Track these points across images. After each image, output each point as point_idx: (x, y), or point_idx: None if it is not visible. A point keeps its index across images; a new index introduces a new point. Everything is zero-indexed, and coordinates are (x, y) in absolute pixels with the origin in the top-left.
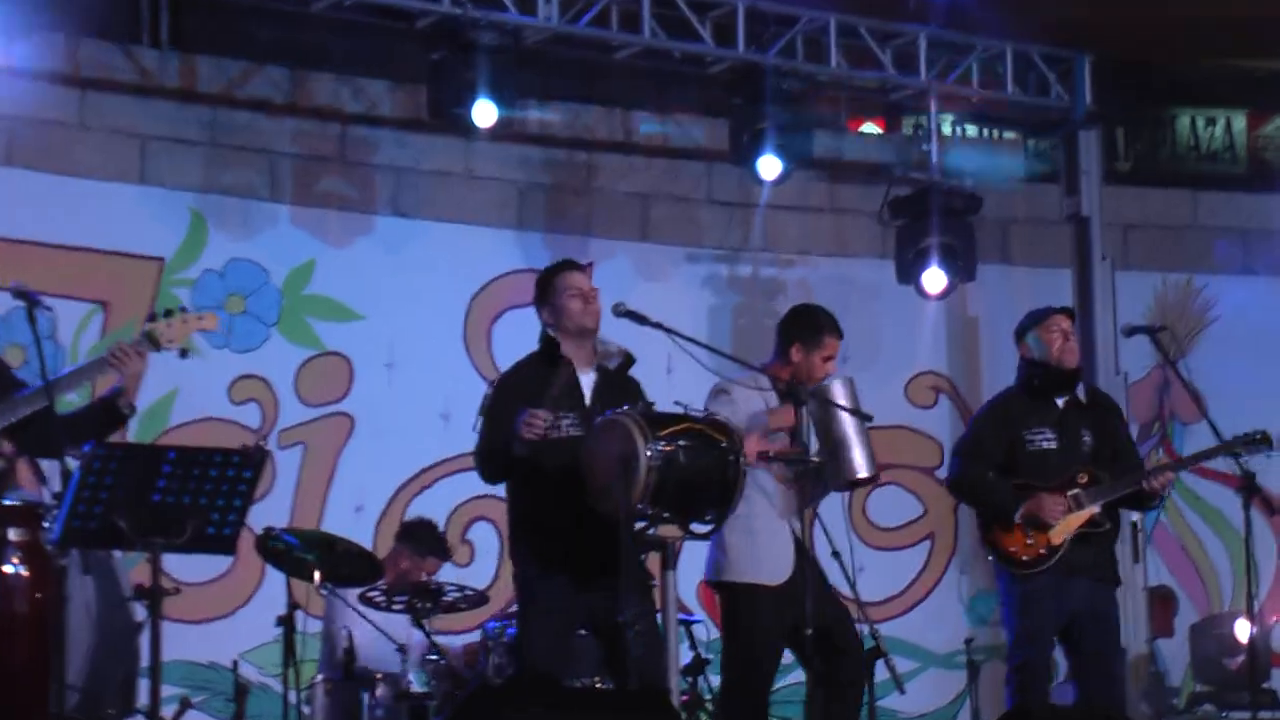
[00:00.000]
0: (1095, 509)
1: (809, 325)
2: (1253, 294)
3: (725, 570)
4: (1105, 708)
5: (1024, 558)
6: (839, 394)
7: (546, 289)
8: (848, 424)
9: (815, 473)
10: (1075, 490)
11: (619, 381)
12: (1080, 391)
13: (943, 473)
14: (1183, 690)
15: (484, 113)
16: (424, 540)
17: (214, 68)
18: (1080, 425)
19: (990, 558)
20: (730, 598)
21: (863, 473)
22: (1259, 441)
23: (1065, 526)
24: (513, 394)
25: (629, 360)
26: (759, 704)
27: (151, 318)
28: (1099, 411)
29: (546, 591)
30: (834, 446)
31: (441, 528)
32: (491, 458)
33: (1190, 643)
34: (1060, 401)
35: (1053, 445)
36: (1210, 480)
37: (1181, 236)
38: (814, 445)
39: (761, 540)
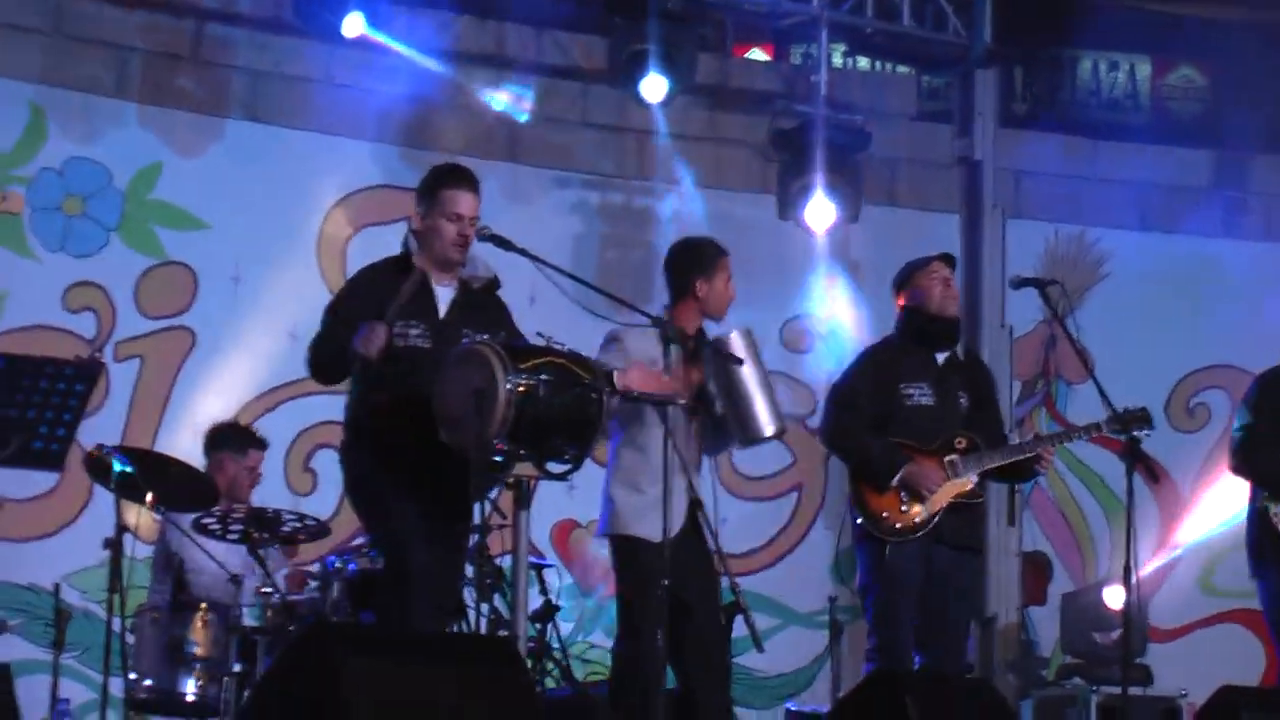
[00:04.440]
0: (973, 479)
1: (700, 254)
2: (1147, 250)
3: (612, 524)
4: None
5: (895, 524)
6: (738, 346)
7: (428, 195)
8: (750, 378)
9: (713, 425)
10: (953, 456)
11: (481, 301)
12: (959, 349)
13: (814, 421)
14: (1052, 662)
15: (352, 23)
16: (235, 437)
17: None
18: (958, 384)
19: (857, 519)
20: (617, 551)
21: (768, 430)
22: (1138, 419)
23: (942, 495)
24: (361, 296)
25: (494, 283)
26: (649, 662)
27: None
28: (976, 372)
29: (395, 482)
30: (736, 402)
31: (283, 453)
32: (328, 359)
33: (1061, 613)
34: (939, 357)
35: (930, 402)
36: (1093, 444)
37: (1077, 186)
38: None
39: (650, 495)
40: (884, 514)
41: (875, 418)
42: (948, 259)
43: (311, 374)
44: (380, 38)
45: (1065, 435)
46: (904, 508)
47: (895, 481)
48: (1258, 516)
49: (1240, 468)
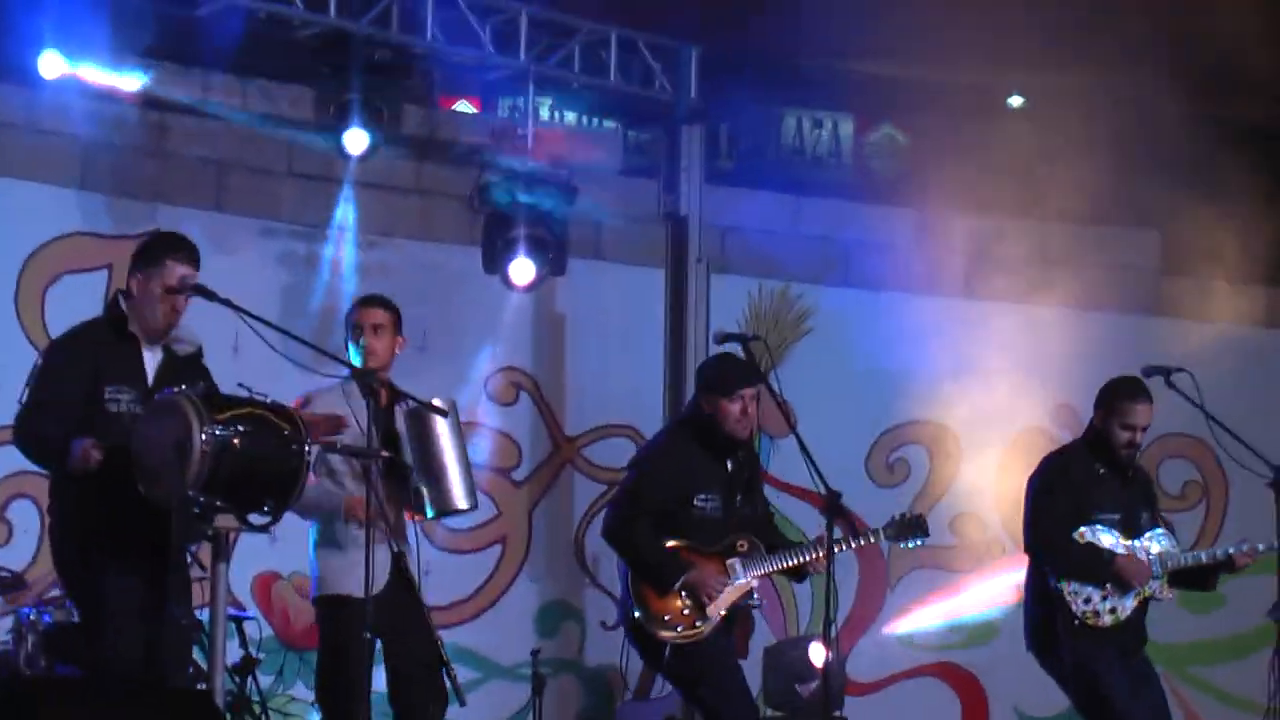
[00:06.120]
0: (754, 582)
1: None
2: (849, 306)
3: (320, 587)
4: None
5: (678, 627)
6: (439, 417)
7: (150, 262)
8: (447, 450)
9: (402, 477)
10: (734, 559)
11: (187, 368)
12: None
13: (520, 475)
14: None
15: (51, 64)
16: None
17: None
18: (737, 486)
19: (634, 611)
20: (320, 611)
21: (462, 504)
22: (916, 528)
23: (723, 600)
24: (69, 375)
25: (199, 352)
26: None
27: None
28: (750, 467)
29: (108, 556)
30: (432, 473)
31: None
32: (43, 457)
33: (764, 666)
34: (729, 463)
35: (719, 514)
36: (794, 498)
37: (781, 242)
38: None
39: (350, 553)
40: (665, 616)
41: (661, 518)
42: (756, 383)
43: (29, 458)
44: (82, 69)
45: (843, 541)
46: (686, 611)
47: (679, 587)
48: (1046, 597)
49: (1034, 547)
